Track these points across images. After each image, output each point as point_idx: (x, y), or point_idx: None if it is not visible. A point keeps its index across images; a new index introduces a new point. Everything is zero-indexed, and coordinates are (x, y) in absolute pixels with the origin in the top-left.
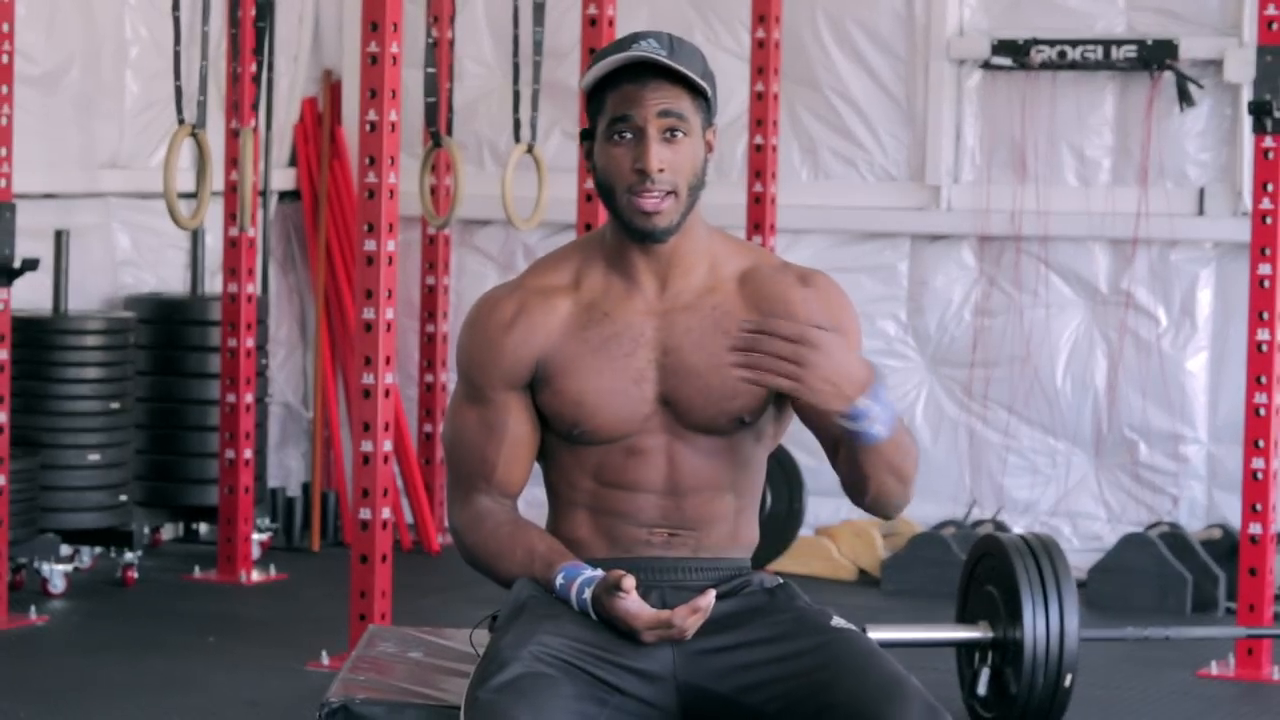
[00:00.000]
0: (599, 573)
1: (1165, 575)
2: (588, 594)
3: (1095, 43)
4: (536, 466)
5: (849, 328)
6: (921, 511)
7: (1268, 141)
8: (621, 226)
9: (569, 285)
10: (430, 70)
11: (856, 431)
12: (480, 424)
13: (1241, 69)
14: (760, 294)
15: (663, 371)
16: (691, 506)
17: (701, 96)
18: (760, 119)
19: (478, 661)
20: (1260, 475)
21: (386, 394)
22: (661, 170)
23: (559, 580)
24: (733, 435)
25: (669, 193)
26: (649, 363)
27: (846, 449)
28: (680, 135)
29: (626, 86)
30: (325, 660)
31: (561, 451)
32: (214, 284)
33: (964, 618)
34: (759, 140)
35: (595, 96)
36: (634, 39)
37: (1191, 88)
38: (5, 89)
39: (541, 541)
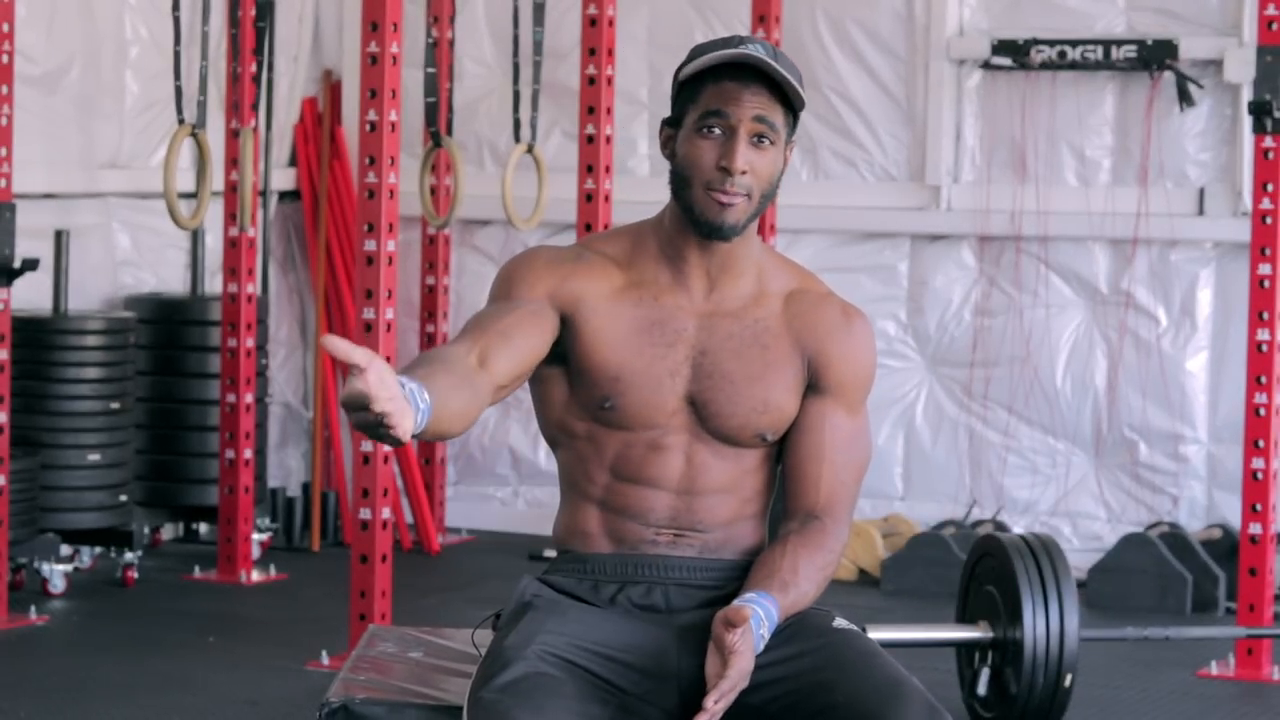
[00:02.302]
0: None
1: (1165, 575)
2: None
3: (1095, 43)
4: (546, 451)
5: (869, 373)
6: (921, 511)
7: (1268, 141)
8: (689, 220)
9: (623, 260)
10: (430, 70)
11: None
12: (497, 313)
13: (1241, 69)
14: (803, 320)
15: (696, 371)
16: (702, 509)
17: (792, 111)
18: None
19: (480, 661)
20: (1260, 475)
21: None
22: (744, 172)
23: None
24: (750, 449)
25: (745, 195)
26: (685, 359)
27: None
28: (767, 143)
29: (727, 84)
30: (325, 660)
31: (582, 441)
32: (214, 284)
33: (964, 618)
34: None
35: (689, 87)
36: (740, 40)
37: (1191, 88)
38: (5, 89)
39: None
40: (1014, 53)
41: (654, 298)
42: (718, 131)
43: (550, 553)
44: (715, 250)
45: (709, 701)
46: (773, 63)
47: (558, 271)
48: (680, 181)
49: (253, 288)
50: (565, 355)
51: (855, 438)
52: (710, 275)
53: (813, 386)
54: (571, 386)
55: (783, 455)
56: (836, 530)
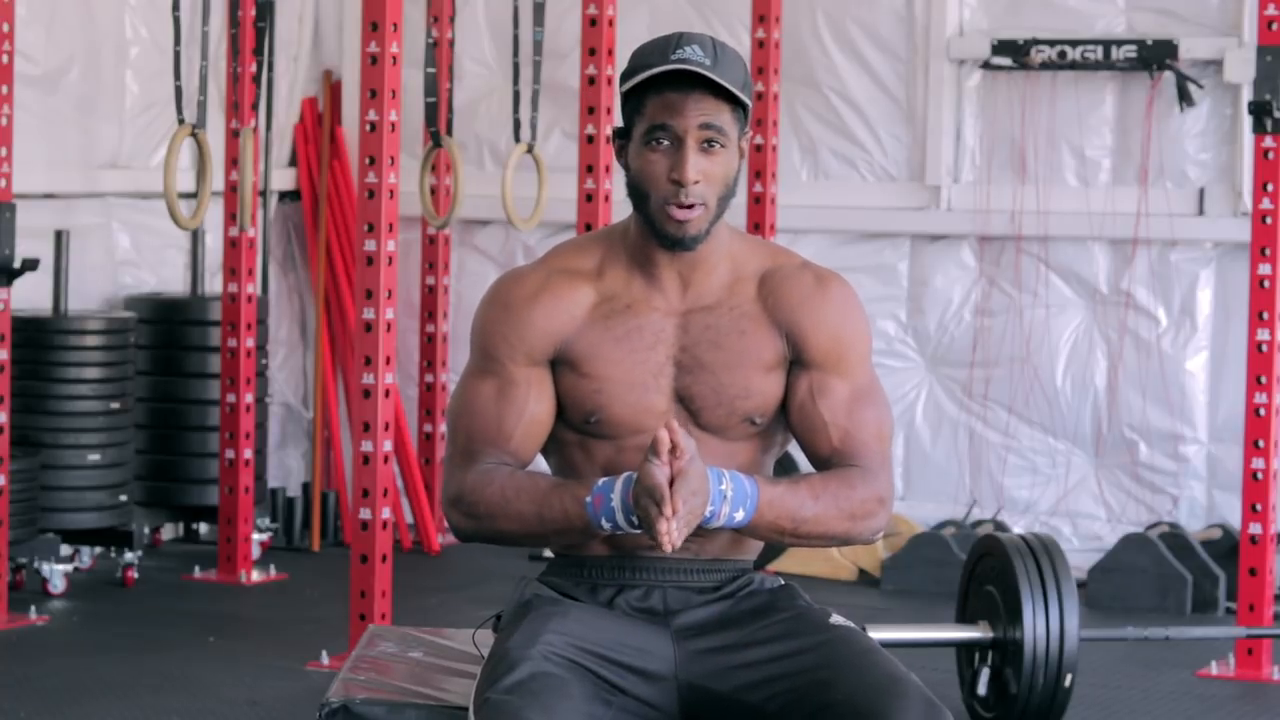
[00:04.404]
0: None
1: (1165, 575)
2: (621, 499)
3: (1095, 43)
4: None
5: (855, 333)
6: (921, 511)
7: (1268, 141)
8: (651, 232)
9: (592, 272)
10: (430, 70)
11: (723, 528)
12: (497, 395)
13: (1241, 69)
14: (776, 296)
15: (679, 369)
16: None
17: (741, 107)
18: (760, 119)
19: (483, 662)
20: (1260, 475)
21: (386, 394)
22: (697, 182)
23: (589, 499)
24: (743, 440)
25: (701, 204)
26: (667, 359)
27: None
28: (718, 146)
29: (669, 94)
30: (325, 660)
31: (573, 448)
32: (214, 284)
33: (964, 618)
34: (759, 140)
35: (633, 98)
36: (678, 42)
37: (1191, 88)
38: (5, 89)
39: (566, 482)
40: (1014, 53)
41: (627, 306)
42: (666, 143)
43: (550, 553)
44: (681, 254)
45: (668, 511)
46: (708, 68)
47: (531, 319)
48: (637, 195)
49: (253, 288)
50: (554, 377)
51: (856, 399)
52: (682, 275)
53: (798, 360)
54: (557, 404)
55: (794, 435)
56: (865, 477)
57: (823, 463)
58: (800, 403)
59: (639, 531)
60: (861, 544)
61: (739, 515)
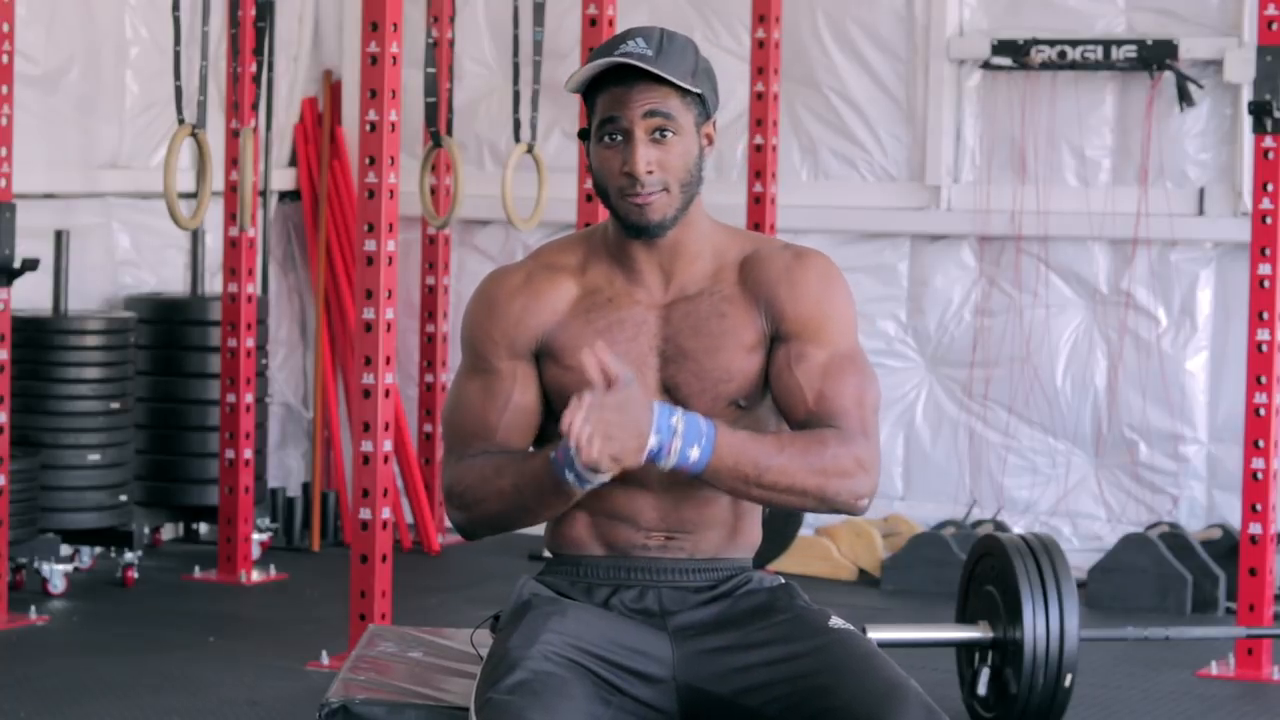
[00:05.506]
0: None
1: (1165, 575)
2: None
3: (1095, 43)
4: None
5: (835, 303)
6: (921, 511)
7: (1268, 141)
8: (620, 225)
9: (575, 268)
10: (430, 70)
11: (677, 469)
12: (483, 391)
13: (1241, 69)
14: (754, 276)
15: (663, 359)
16: (689, 508)
17: (691, 93)
18: (760, 119)
19: (483, 662)
20: (1260, 475)
21: (386, 394)
22: (650, 172)
23: (553, 454)
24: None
25: (661, 190)
26: (650, 350)
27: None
28: (669, 135)
29: (614, 89)
30: (325, 660)
31: None
32: (214, 284)
33: (964, 618)
34: (759, 140)
35: (589, 99)
36: (623, 38)
37: (1191, 88)
38: (5, 89)
39: (538, 450)
40: (1014, 53)
41: (608, 300)
42: (617, 138)
43: (548, 553)
44: (659, 245)
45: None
46: (647, 58)
47: (512, 313)
48: (600, 192)
49: (253, 288)
50: (540, 373)
51: (835, 365)
52: (663, 268)
53: (777, 336)
54: (546, 401)
55: (776, 408)
56: (840, 437)
57: (799, 428)
58: (778, 371)
59: (597, 477)
60: (845, 510)
61: (694, 453)
